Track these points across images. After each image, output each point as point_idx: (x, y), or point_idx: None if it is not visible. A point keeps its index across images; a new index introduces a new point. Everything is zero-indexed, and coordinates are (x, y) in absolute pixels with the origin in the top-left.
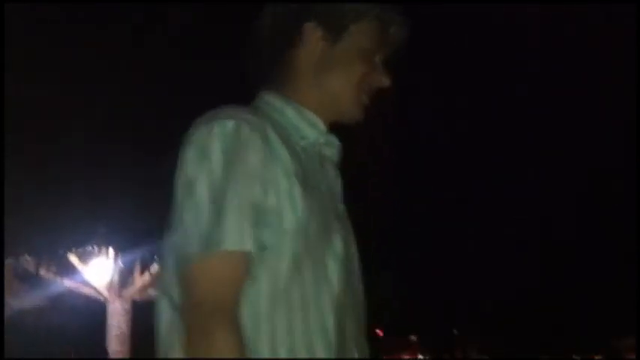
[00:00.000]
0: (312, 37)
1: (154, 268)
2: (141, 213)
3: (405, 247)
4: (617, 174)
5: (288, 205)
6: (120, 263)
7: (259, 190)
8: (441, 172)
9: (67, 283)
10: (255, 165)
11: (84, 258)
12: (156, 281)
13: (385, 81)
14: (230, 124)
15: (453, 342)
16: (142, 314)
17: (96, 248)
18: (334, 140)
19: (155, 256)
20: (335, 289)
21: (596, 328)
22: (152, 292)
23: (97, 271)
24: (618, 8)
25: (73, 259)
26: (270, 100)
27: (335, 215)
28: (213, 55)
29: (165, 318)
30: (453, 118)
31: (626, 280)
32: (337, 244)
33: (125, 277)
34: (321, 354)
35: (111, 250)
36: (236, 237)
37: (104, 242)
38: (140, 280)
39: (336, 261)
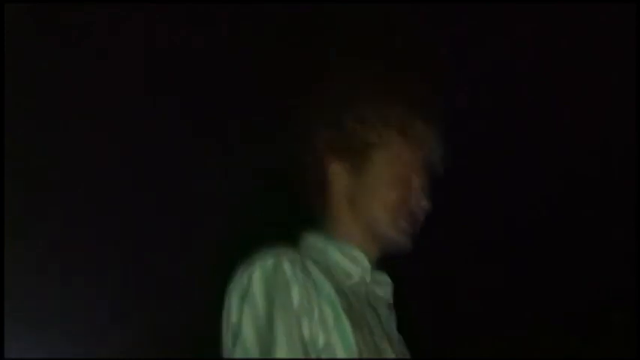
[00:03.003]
0: (338, 175)
1: None
2: None
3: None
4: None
5: (339, 341)
6: None
7: (307, 329)
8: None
9: None
10: (299, 303)
11: None
12: None
13: (425, 205)
14: (270, 262)
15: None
16: None
17: None
18: (384, 278)
19: None
20: None
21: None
22: None
23: None
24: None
25: None
26: (312, 241)
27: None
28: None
29: None
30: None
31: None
32: None
33: None
34: None
35: None
36: None
37: None
38: None
39: None
